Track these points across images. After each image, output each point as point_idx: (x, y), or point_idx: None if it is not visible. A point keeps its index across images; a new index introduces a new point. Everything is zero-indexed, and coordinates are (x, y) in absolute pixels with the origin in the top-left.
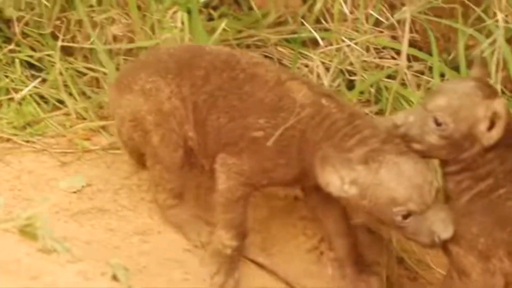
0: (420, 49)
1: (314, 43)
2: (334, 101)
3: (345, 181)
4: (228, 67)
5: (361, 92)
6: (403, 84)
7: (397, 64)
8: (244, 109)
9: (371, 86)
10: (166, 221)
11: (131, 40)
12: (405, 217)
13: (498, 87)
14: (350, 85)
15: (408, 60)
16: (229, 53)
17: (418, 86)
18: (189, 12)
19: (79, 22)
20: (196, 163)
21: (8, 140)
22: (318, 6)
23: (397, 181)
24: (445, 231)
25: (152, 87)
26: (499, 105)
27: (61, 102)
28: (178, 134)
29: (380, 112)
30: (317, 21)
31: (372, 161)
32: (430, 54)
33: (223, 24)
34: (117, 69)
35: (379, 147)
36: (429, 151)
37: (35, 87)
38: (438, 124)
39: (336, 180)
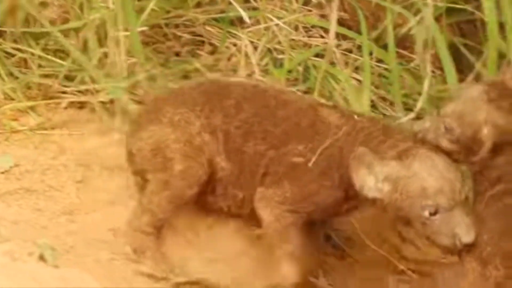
0: (349, 27)
1: (243, 22)
2: (365, 117)
3: (379, 178)
4: (258, 94)
5: (289, 71)
6: (332, 63)
7: (325, 43)
8: (281, 134)
9: (299, 64)
10: (128, 242)
11: (66, 21)
12: (433, 213)
13: (428, 66)
14: (278, 64)
15: (337, 38)
16: (253, 83)
17: (346, 64)
18: None
19: None
20: (226, 194)
21: None
22: None
23: (429, 173)
24: (467, 235)
25: (181, 119)
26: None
27: None
28: (205, 171)
29: (309, 91)
30: (245, 0)
31: (406, 157)
32: (359, 32)
33: (151, 4)
34: (44, 50)
35: (411, 145)
36: (448, 154)
37: None
38: (447, 129)
39: (371, 180)
